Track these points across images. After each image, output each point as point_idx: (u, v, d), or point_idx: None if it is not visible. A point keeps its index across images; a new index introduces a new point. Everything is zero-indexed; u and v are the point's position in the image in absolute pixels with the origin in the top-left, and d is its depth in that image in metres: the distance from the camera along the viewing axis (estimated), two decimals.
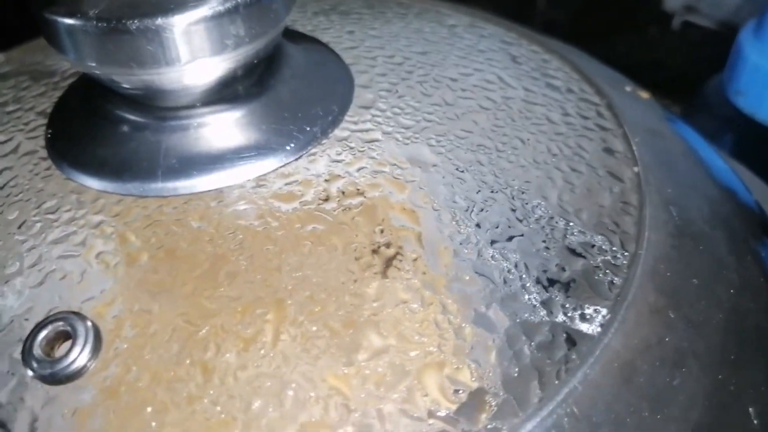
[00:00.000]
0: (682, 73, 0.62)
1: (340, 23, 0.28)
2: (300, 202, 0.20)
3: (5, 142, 0.24)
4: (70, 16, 0.19)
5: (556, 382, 0.17)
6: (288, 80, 0.23)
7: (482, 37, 0.29)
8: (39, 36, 0.22)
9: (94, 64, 0.20)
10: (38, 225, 0.21)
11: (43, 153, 0.23)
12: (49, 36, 0.20)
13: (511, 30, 0.30)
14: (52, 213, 0.21)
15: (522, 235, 0.20)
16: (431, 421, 0.17)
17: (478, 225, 0.20)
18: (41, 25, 0.20)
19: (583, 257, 0.20)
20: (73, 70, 0.27)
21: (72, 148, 0.22)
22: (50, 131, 0.23)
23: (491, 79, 0.26)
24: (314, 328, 0.18)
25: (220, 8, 0.19)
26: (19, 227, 0.21)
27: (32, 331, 0.18)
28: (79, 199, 0.21)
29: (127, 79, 0.20)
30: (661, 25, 0.69)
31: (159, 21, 0.19)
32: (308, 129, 0.22)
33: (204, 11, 0.19)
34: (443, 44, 0.27)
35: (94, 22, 0.19)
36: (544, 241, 0.20)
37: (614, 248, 0.20)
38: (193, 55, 0.19)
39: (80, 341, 0.18)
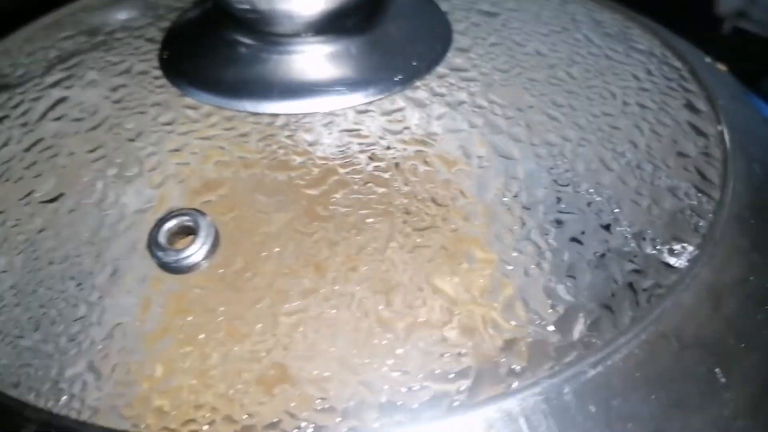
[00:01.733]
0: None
1: None
2: (405, 128, 0.21)
3: (118, 63, 0.25)
4: None
5: (648, 304, 0.18)
6: (392, 20, 0.24)
7: (566, 2, 0.30)
8: None
9: None
10: (156, 135, 0.22)
11: (156, 73, 0.24)
12: None
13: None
14: (169, 125, 0.22)
15: (613, 173, 0.21)
16: (530, 328, 0.18)
17: (572, 162, 0.21)
18: None
19: (671, 199, 0.21)
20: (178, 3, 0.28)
21: (187, 67, 0.23)
22: (166, 52, 0.24)
23: (579, 38, 0.27)
24: (419, 240, 0.19)
25: None
26: (138, 136, 0.22)
27: (158, 222, 0.19)
28: (195, 114, 0.22)
29: (249, 2, 0.21)
30: (712, 29, 0.69)
31: None
32: (413, 64, 0.23)
33: None
34: (533, 3, 0.28)
35: None
36: (633, 181, 0.21)
37: (699, 194, 0.21)
38: None
39: (202, 236, 0.19)
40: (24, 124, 0.24)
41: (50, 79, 0.25)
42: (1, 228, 0.20)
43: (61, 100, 0.24)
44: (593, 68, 0.25)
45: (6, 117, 0.24)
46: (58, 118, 0.24)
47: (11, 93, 0.25)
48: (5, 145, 0.23)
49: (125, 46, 0.26)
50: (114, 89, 0.24)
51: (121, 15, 0.29)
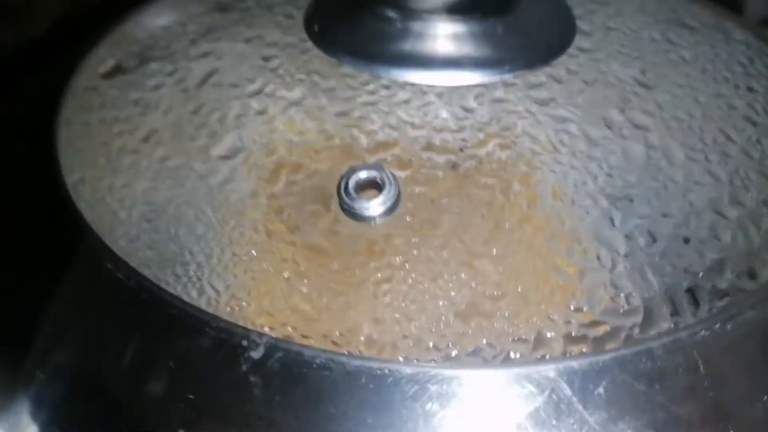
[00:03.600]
0: None
1: None
2: (550, 99, 0.24)
3: (263, 36, 0.27)
4: None
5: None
6: (526, 4, 0.26)
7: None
8: None
9: None
10: (319, 100, 0.24)
11: (307, 45, 0.26)
12: None
13: None
14: (332, 90, 0.24)
15: (737, 146, 0.23)
16: (699, 273, 0.20)
17: (700, 135, 0.24)
18: None
19: None
20: None
21: (341, 39, 0.25)
22: (316, 25, 0.26)
23: (682, 27, 0.29)
24: (571, 200, 0.21)
25: None
26: (302, 100, 0.24)
27: (346, 174, 0.21)
28: (354, 81, 0.24)
29: None
30: None
31: None
32: (549, 44, 0.25)
33: None
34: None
35: None
36: (756, 154, 0.23)
37: None
38: None
39: (387, 188, 0.21)
40: (185, 90, 0.25)
41: (197, 51, 0.27)
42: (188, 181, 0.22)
43: (215, 71, 0.26)
44: (702, 54, 0.27)
45: (162, 85, 0.26)
46: (217, 85, 0.25)
47: (161, 63, 0.27)
48: (170, 109, 0.25)
49: (266, 22, 0.28)
50: (267, 59, 0.26)
51: None
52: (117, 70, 0.28)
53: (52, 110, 0.27)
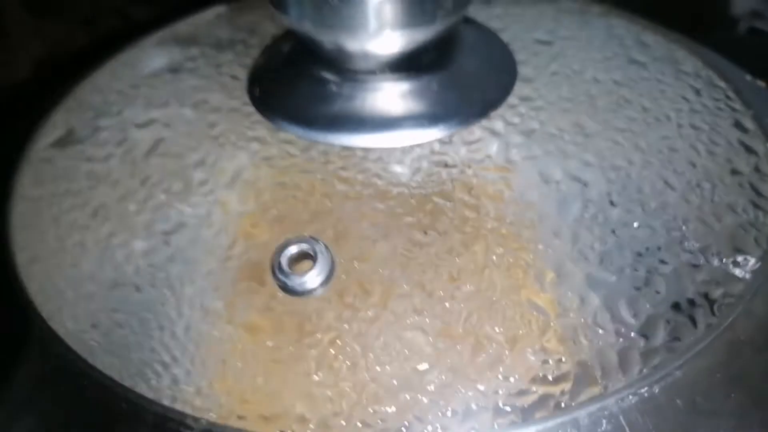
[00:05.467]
0: None
1: (482, 8, 0.31)
2: (486, 156, 0.24)
3: (209, 101, 0.28)
4: None
5: (720, 312, 0.21)
6: (463, 55, 0.26)
7: (611, 25, 0.32)
8: None
9: (308, 25, 0.24)
10: (260, 169, 0.24)
11: (248, 110, 0.27)
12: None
13: (632, 21, 0.33)
14: (270, 159, 0.25)
15: (676, 192, 0.23)
16: (618, 337, 0.20)
17: (639, 184, 0.24)
18: None
19: (731, 215, 0.23)
20: (257, 37, 0.30)
21: (279, 103, 0.26)
22: (257, 89, 0.26)
23: (630, 62, 0.29)
24: (512, 260, 0.21)
25: None
26: (241, 171, 0.24)
27: (279, 249, 0.21)
28: (293, 148, 0.25)
29: (333, 41, 0.24)
30: (727, 29, 0.71)
31: None
32: (487, 96, 0.25)
33: None
34: (582, 30, 0.31)
35: None
36: (695, 199, 0.23)
37: (756, 210, 0.24)
38: (382, 25, 0.23)
39: (321, 261, 0.21)
40: (132, 162, 0.26)
41: (146, 117, 0.28)
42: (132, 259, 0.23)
43: (162, 140, 0.26)
44: (647, 92, 0.27)
45: (111, 155, 0.27)
46: (163, 155, 0.26)
47: (112, 132, 0.27)
48: (117, 182, 0.25)
49: (212, 84, 0.28)
50: (211, 125, 0.26)
51: (198, 51, 0.31)
52: (70, 139, 0.28)
53: (5, 184, 0.27)
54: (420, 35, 0.23)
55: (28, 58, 0.60)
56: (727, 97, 0.28)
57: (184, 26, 0.35)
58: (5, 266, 0.25)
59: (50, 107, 0.32)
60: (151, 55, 0.32)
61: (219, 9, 0.36)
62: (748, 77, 0.31)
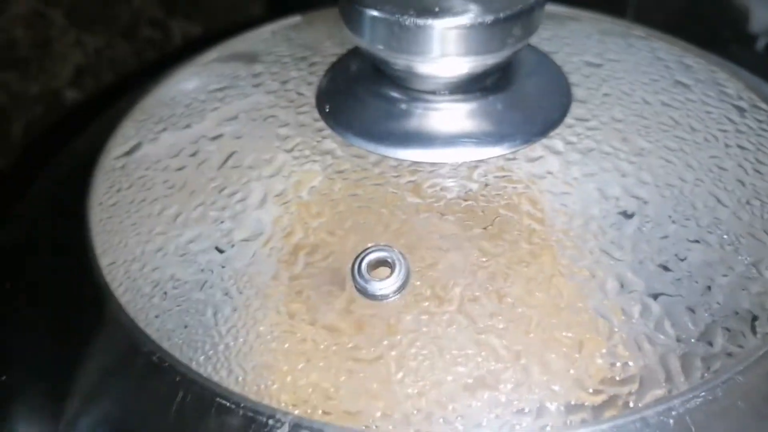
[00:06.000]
0: None
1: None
2: (548, 172, 0.25)
3: (279, 116, 0.29)
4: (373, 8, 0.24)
5: None
6: (522, 77, 0.28)
7: (654, 48, 0.34)
8: None
9: (381, 48, 0.25)
10: (332, 182, 0.26)
11: (319, 125, 0.28)
12: (352, 22, 0.25)
13: (672, 42, 0.35)
14: (342, 172, 0.26)
15: (728, 209, 0.25)
16: (692, 339, 0.21)
17: (692, 201, 0.25)
18: (344, 14, 0.25)
19: None
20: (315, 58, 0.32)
21: (349, 119, 0.27)
22: (327, 106, 0.28)
23: (676, 84, 0.31)
24: (576, 270, 0.23)
25: (481, 19, 0.24)
26: (317, 182, 0.26)
27: (359, 255, 0.23)
28: (364, 162, 0.26)
29: (403, 64, 0.25)
30: (745, 45, 0.73)
31: (429, 21, 0.24)
32: (546, 116, 0.27)
33: (463, 19, 0.24)
34: (627, 53, 0.32)
35: (391, 15, 0.24)
36: (746, 216, 0.25)
37: None
38: (452, 51, 0.25)
39: (398, 269, 0.23)
40: (207, 173, 0.27)
41: (218, 130, 0.29)
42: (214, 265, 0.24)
43: (234, 153, 0.28)
44: (694, 113, 0.29)
45: (185, 166, 0.28)
46: (237, 166, 0.27)
47: (181, 140, 0.29)
48: (194, 192, 0.27)
49: (279, 100, 0.30)
50: (283, 139, 0.28)
51: (262, 68, 0.33)
52: (142, 149, 0.30)
53: (82, 190, 0.29)
54: (488, 61, 0.25)
55: (70, 67, 0.63)
56: None
57: (240, 43, 0.37)
58: (89, 270, 0.26)
59: (113, 119, 0.34)
60: (215, 71, 0.34)
61: (273, 26, 0.38)
62: None
